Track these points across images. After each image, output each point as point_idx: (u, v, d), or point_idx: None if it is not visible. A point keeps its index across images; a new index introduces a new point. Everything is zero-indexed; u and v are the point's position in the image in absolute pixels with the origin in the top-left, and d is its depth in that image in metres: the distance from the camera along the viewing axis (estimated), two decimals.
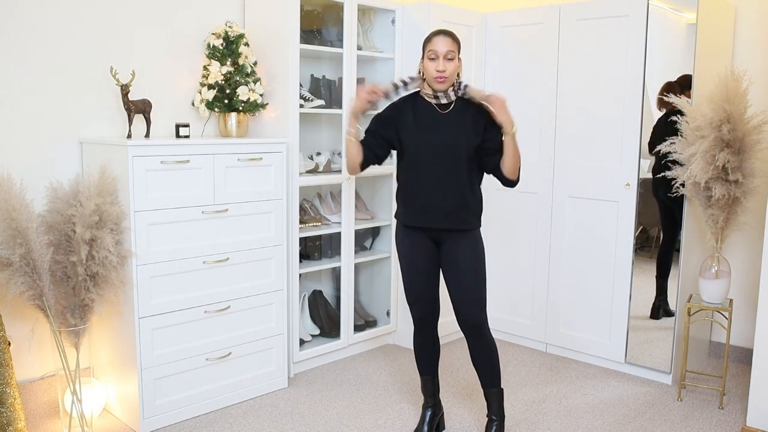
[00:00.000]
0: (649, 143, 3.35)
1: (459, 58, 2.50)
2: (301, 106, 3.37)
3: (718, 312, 3.16)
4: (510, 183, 2.57)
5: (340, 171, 3.55)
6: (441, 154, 2.49)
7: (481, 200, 2.60)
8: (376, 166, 2.68)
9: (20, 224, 2.43)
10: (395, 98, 2.58)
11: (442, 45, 2.44)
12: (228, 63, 3.23)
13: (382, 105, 2.61)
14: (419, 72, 2.55)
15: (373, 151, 2.59)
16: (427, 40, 2.49)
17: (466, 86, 2.52)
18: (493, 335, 2.65)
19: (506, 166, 2.51)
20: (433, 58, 2.45)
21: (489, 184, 2.79)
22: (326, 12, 3.55)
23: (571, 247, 3.65)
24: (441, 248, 2.59)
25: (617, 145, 3.40)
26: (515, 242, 3.88)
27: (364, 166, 2.61)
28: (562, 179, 3.65)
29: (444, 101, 2.52)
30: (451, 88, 2.51)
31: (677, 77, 3.24)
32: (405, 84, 2.55)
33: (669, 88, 3.24)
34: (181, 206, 2.81)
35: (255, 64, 3.31)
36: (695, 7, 3.13)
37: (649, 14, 3.24)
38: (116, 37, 3.03)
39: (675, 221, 3.38)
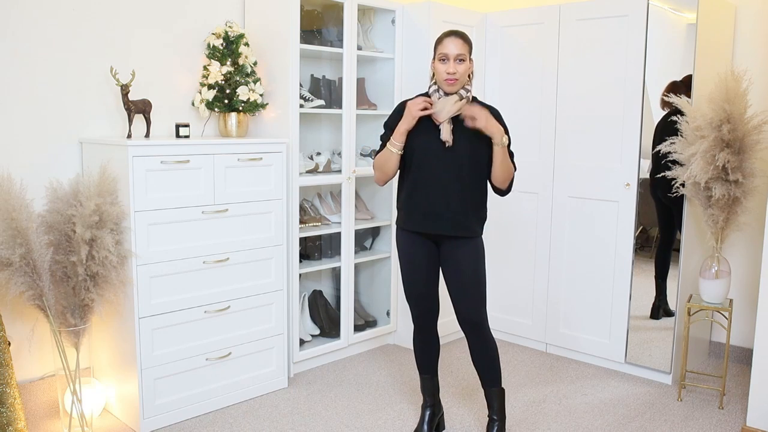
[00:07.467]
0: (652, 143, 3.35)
1: (471, 59, 2.49)
2: (301, 106, 3.37)
3: (718, 312, 3.16)
4: (499, 192, 2.57)
5: (340, 171, 3.54)
6: (445, 160, 2.46)
7: (485, 208, 2.58)
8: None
9: (20, 224, 2.43)
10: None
11: (453, 47, 2.43)
12: (228, 63, 3.23)
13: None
14: (432, 74, 2.51)
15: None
16: (438, 42, 2.47)
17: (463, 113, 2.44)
18: (493, 335, 2.65)
19: (494, 175, 2.50)
20: (443, 60, 2.44)
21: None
22: (326, 12, 3.55)
23: (571, 247, 3.65)
24: (441, 249, 2.59)
25: (617, 146, 3.40)
26: (515, 242, 3.88)
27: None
28: (562, 179, 3.65)
29: None
30: (463, 90, 2.48)
31: (682, 77, 3.23)
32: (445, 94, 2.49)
33: (673, 87, 3.23)
34: (181, 206, 2.81)
35: (255, 64, 3.31)
36: (695, 7, 3.13)
37: (649, 14, 3.24)
38: (116, 37, 3.03)
39: (672, 221, 3.38)
